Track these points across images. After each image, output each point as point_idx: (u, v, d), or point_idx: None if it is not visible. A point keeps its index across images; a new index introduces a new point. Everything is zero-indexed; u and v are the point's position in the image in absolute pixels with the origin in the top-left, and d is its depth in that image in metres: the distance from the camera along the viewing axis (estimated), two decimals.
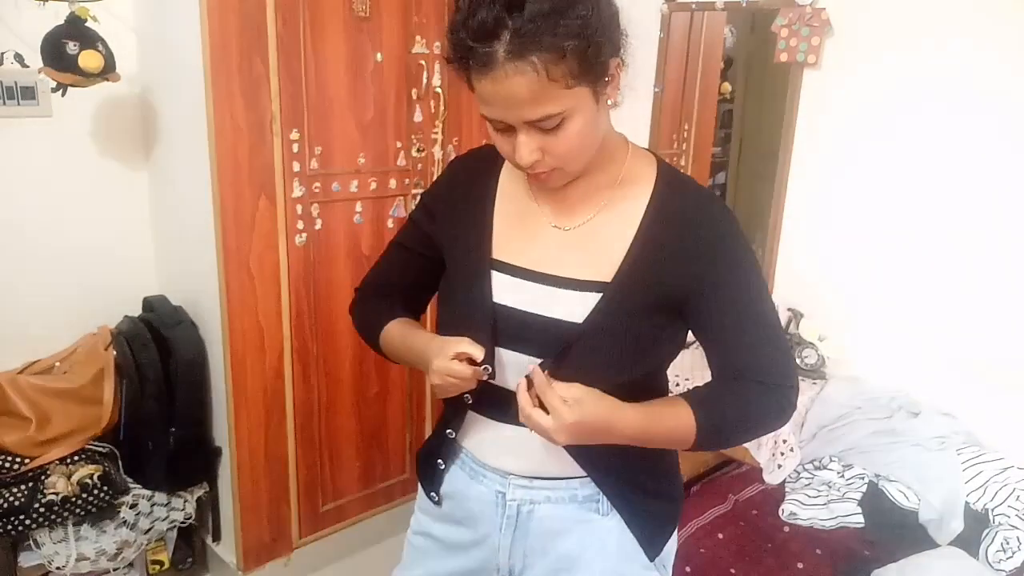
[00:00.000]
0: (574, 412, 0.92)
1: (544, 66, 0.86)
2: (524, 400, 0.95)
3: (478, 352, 0.99)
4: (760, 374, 1.01)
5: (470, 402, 1.08)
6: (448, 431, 1.13)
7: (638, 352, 1.01)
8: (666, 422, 1.00)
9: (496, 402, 1.06)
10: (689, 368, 2.08)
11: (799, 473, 2.02)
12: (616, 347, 1.00)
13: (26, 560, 1.92)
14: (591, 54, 0.89)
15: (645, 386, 1.04)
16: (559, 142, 0.93)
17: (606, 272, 1.01)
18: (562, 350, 1.00)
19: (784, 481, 2.00)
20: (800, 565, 1.73)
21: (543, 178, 0.99)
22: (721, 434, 1.04)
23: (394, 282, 1.23)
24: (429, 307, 1.28)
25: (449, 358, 0.99)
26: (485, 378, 1.01)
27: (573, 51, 0.87)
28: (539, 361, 1.00)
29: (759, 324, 1.02)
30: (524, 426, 0.97)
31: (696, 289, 1.00)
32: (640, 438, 0.99)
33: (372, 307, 1.24)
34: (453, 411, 1.13)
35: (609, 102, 0.98)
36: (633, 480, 1.10)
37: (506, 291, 1.05)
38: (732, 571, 1.75)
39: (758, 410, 1.03)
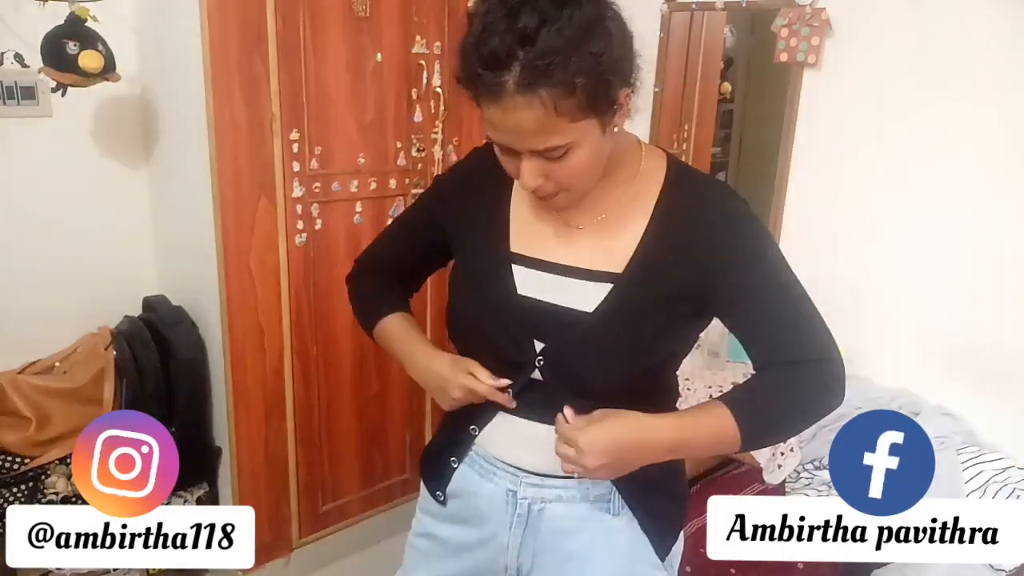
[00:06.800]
0: (592, 457, 0.94)
1: (552, 100, 0.85)
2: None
3: (489, 377, 1.03)
4: (794, 354, 0.99)
5: (514, 406, 1.06)
6: (472, 427, 1.12)
7: (646, 344, 1.01)
8: (703, 429, 0.98)
9: (516, 397, 1.06)
10: (689, 370, 2.08)
11: (799, 473, 2.01)
12: (625, 337, 1.00)
13: None
14: (600, 91, 0.89)
15: (653, 382, 1.04)
16: (563, 170, 0.93)
17: (618, 263, 1.01)
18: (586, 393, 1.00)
19: (784, 481, 2.00)
20: (800, 565, 1.73)
21: (549, 200, 0.99)
22: (769, 428, 1.01)
23: (394, 260, 1.25)
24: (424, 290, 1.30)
25: (467, 373, 1.03)
26: (512, 406, 1.05)
27: (583, 87, 0.86)
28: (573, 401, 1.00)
29: (785, 304, 1.00)
30: (539, 421, 1.01)
31: (713, 280, 0.99)
32: (680, 451, 0.99)
33: (372, 287, 1.24)
34: (479, 409, 1.11)
35: (615, 130, 0.98)
36: (649, 480, 1.08)
37: (524, 283, 1.05)
38: (732, 571, 1.75)
39: (801, 393, 1.00)
